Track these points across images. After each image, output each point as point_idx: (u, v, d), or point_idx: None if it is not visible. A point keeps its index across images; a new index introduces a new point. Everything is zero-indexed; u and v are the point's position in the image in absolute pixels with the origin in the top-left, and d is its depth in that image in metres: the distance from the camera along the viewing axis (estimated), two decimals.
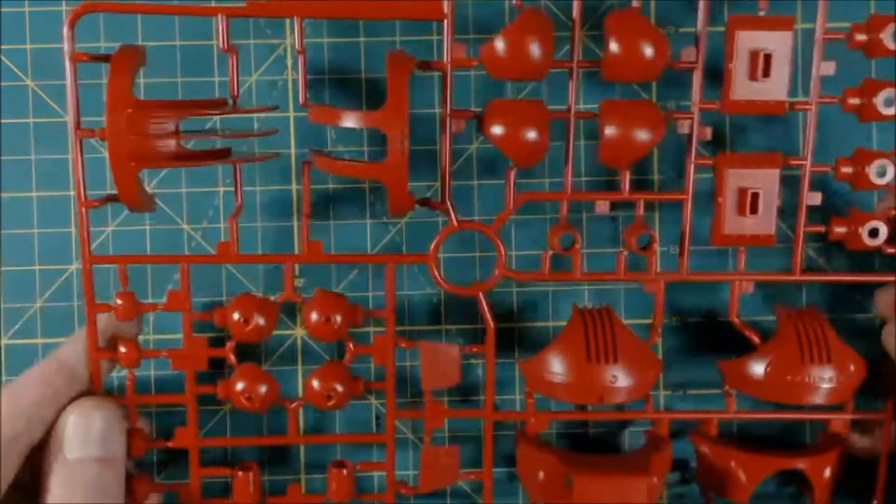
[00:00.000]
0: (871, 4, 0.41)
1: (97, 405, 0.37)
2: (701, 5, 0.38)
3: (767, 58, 0.37)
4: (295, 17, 0.37)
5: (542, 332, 0.43)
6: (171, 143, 0.36)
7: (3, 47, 0.41)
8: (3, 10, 0.41)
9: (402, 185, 0.36)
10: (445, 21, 0.37)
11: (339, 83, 0.41)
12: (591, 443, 0.44)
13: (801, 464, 0.41)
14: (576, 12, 0.38)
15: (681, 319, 0.43)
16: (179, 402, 0.40)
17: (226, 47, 0.37)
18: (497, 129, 0.37)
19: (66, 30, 0.36)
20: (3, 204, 0.42)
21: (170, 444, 0.40)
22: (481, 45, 0.37)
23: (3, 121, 0.41)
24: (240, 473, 0.41)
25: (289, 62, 0.41)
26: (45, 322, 0.42)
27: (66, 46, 0.36)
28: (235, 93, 0.38)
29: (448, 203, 0.39)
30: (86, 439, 0.36)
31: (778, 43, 0.37)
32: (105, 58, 0.37)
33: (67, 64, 0.36)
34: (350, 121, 0.36)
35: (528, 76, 0.37)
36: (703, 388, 0.43)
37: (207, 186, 0.42)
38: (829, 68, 0.39)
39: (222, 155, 0.38)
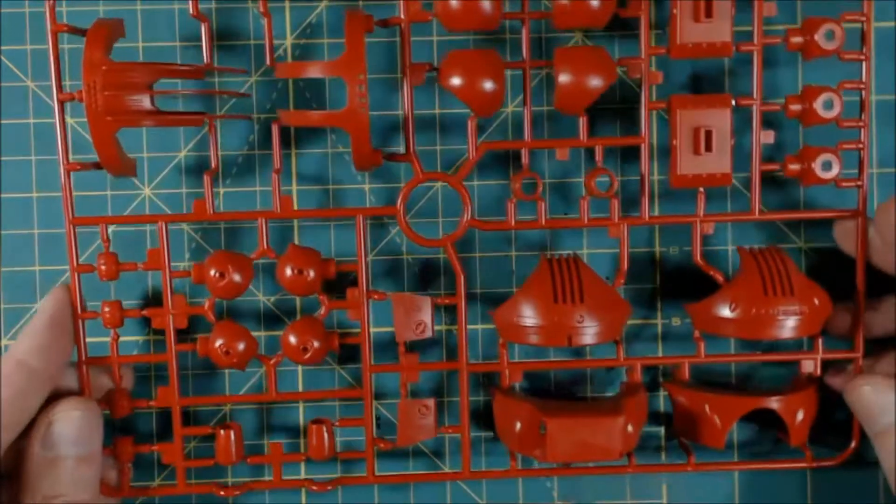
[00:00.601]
0: None
1: (76, 405, 0.39)
2: None
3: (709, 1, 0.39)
4: None
5: None
6: (145, 100, 0.38)
7: (3, 47, 0.42)
8: (3, 10, 0.42)
9: (362, 130, 0.38)
10: None
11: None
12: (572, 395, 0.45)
13: (773, 403, 0.41)
14: None
15: (683, 320, 0.44)
16: (161, 360, 0.41)
17: (195, 13, 0.39)
18: (455, 80, 0.39)
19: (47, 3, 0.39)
20: (3, 204, 0.43)
21: (152, 403, 0.41)
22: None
23: (3, 121, 0.43)
24: (221, 432, 0.42)
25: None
26: None
27: (47, 17, 0.39)
28: (209, 59, 0.40)
29: (412, 155, 0.41)
30: (67, 438, 0.38)
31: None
32: (84, 31, 0.40)
33: (49, 35, 0.39)
34: (312, 71, 0.38)
35: (481, 26, 0.39)
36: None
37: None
38: (770, 9, 0.40)
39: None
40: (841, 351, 0.42)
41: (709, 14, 0.39)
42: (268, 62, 0.40)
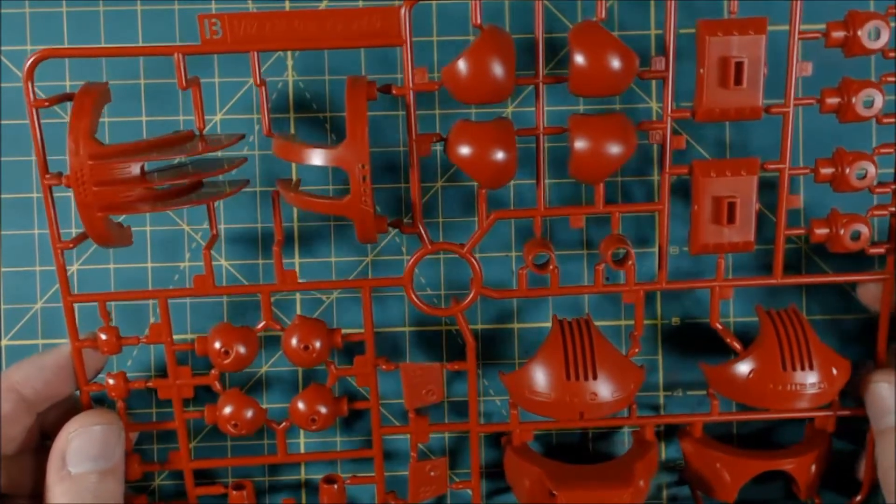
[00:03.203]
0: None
1: (95, 419, 0.38)
2: (669, 11, 0.37)
3: (739, 66, 0.36)
4: (251, 52, 0.36)
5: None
6: (137, 188, 0.36)
7: (3, 48, 0.41)
8: (3, 10, 0.40)
9: (365, 218, 0.36)
10: (404, 46, 0.36)
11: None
12: (584, 445, 0.44)
13: (786, 465, 0.41)
14: (538, 28, 0.37)
15: (682, 320, 0.43)
16: (171, 428, 0.41)
17: (184, 85, 0.36)
18: (463, 151, 0.37)
19: (25, 77, 0.36)
20: (3, 204, 0.42)
21: (164, 466, 0.41)
22: (443, 68, 0.36)
23: (3, 121, 0.41)
24: (233, 492, 0.42)
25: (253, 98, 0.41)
26: (45, 322, 0.42)
27: (26, 93, 0.36)
28: (202, 125, 0.38)
29: (420, 226, 0.39)
30: (88, 453, 0.38)
31: (750, 48, 0.36)
32: (68, 97, 0.37)
33: (30, 110, 0.36)
34: (310, 158, 0.35)
35: (493, 95, 0.36)
36: (698, 388, 0.43)
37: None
38: (806, 69, 0.37)
39: (193, 189, 0.38)
40: (857, 408, 0.41)
41: (738, 81, 0.36)
42: (265, 132, 0.37)
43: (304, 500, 0.44)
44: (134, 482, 0.42)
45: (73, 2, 0.41)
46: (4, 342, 0.42)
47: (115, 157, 0.35)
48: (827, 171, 0.38)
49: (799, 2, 0.37)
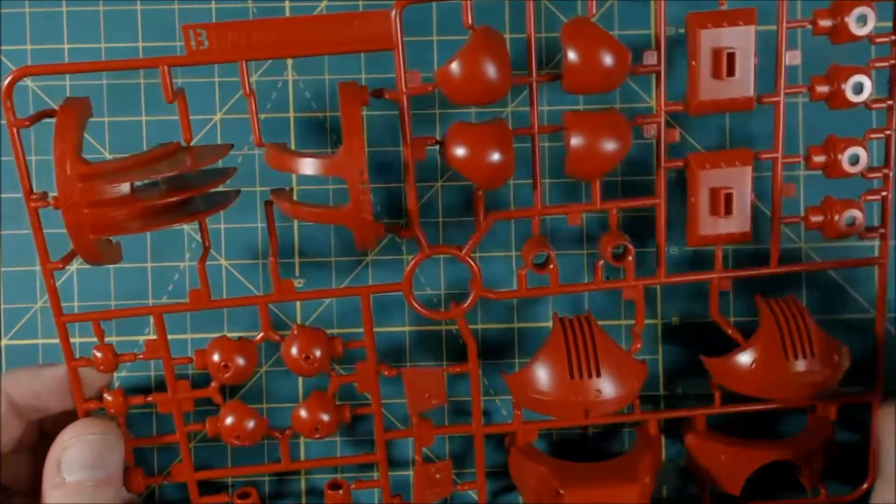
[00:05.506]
0: None
1: (92, 428, 0.38)
2: (660, 7, 0.36)
3: (731, 56, 0.36)
4: (240, 62, 0.35)
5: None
6: (128, 207, 0.35)
7: (3, 47, 0.41)
8: (3, 10, 0.41)
9: (365, 226, 0.35)
10: (395, 50, 0.36)
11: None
12: (586, 444, 0.44)
13: (790, 455, 0.41)
14: (529, 25, 0.36)
15: (681, 320, 0.43)
16: (172, 441, 0.40)
17: (170, 98, 0.36)
18: (459, 153, 0.36)
19: (3, 98, 0.35)
20: (3, 204, 0.41)
21: (168, 479, 0.41)
22: (436, 71, 0.36)
23: (2, 121, 0.40)
24: (238, 500, 0.41)
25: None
26: (45, 322, 0.42)
27: (6, 115, 0.35)
28: (189, 136, 0.37)
29: (417, 231, 0.38)
30: (83, 462, 0.37)
31: (741, 38, 0.36)
32: (49, 113, 0.36)
33: (11, 132, 0.36)
34: (305, 168, 0.35)
35: (488, 96, 0.36)
36: (699, 387, 0.43)
37: None
38: (794, 58, 0.37)
39: (183, 203, 0.38)
40: (859, 396, 0.41)
41: (731, 72, 0.36)
42: (255, 142, 0.37)
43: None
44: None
45: (73, 2, 0.41)
46: (4, 342, 0.42)
47: (103, 177, 0.34)
48: (819, 158, 0.38)
49: None
